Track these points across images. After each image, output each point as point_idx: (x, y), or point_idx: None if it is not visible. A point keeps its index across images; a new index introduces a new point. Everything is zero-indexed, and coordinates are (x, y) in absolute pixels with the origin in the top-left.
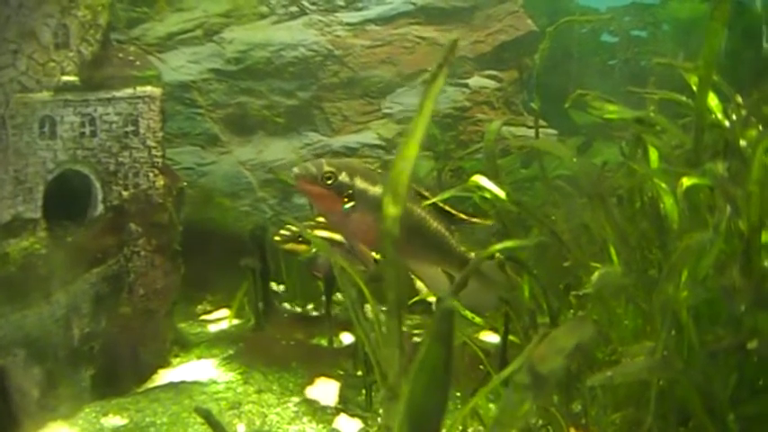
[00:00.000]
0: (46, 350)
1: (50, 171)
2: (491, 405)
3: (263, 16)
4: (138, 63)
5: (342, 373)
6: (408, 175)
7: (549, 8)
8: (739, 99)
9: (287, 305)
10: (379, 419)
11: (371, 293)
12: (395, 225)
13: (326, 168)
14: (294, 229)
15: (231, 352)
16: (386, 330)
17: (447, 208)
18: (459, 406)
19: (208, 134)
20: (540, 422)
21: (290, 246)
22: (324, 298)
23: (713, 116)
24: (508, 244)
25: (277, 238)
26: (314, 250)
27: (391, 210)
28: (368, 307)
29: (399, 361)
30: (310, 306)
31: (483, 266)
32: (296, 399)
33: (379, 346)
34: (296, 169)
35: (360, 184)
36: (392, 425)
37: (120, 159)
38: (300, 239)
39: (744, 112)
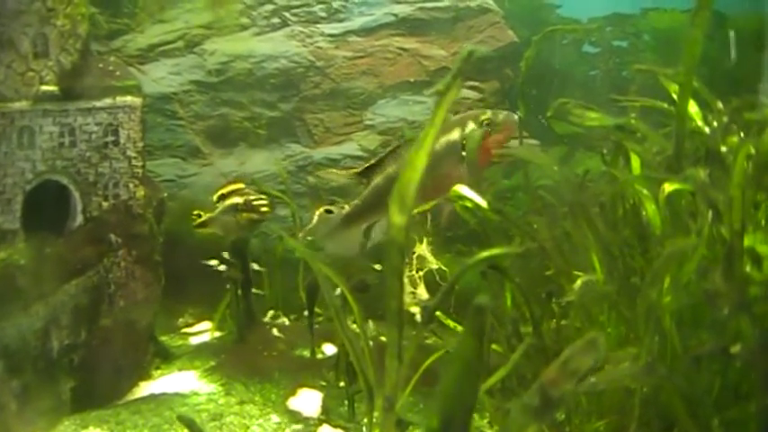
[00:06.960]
0: (24, 362)
1: (29, 182)
2: (474, 415)
3: (244, 28)
4: (117, 73)
5: (324, 383)
6: (416, 185)
7: (531, 19)
8: (720, 105)
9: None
10: (364, 429)
11: (357, 304)
12: (401, 233)
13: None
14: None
15: (213, 363)
16: (386, 340)
17: None
18: None
19: (189, 146)
20: None
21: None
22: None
23: (693, 123)
24: (494, 251)
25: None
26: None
27: (397, 218)
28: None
29: (398, 371)
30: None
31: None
32: (278, 410)
33: (364, 355)
34: None
35: None
36: None
37: (100, 170)
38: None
39: (724, 119)
